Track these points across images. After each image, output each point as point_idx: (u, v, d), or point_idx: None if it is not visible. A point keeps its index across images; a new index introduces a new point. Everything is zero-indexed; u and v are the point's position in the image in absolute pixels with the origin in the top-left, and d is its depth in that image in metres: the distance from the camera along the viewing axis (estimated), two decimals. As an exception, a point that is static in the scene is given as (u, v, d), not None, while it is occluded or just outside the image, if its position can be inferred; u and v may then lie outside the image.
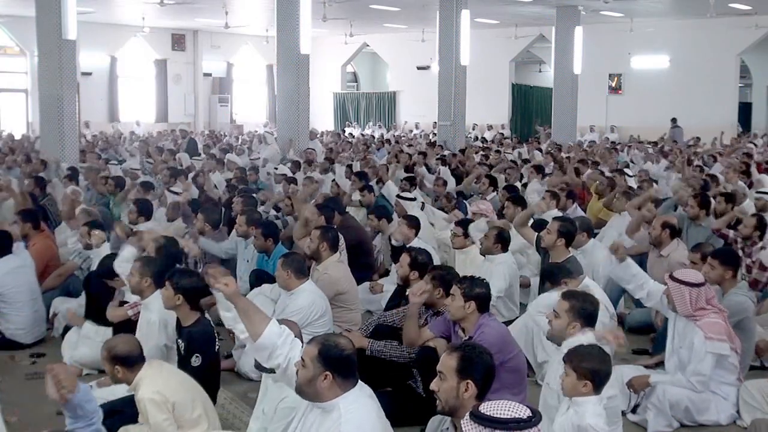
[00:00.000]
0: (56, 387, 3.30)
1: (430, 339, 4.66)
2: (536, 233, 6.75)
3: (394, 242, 7.43)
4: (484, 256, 6.50)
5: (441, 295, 4.80)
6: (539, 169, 11.75)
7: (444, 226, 8.78)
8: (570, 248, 6.16)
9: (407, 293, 5.20)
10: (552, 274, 5.38)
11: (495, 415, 2.67)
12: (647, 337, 6.39)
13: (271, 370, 3.84)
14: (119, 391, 4.77)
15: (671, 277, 4.85)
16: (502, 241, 6.43)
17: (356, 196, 9.94)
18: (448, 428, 3.42)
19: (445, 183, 11.12)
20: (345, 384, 3.34)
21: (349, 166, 12.96)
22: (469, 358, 3.26)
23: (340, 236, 6.64)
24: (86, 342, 5.71)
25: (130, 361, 4.01)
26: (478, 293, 4.43)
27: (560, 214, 7.72)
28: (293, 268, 5.35)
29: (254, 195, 9.22)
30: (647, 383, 4.81)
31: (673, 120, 23.54)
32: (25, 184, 9.77)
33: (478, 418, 2.68)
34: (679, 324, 4.87)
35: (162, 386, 3.93)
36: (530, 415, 2.68)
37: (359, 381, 3.42)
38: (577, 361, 3.58)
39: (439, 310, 4.84)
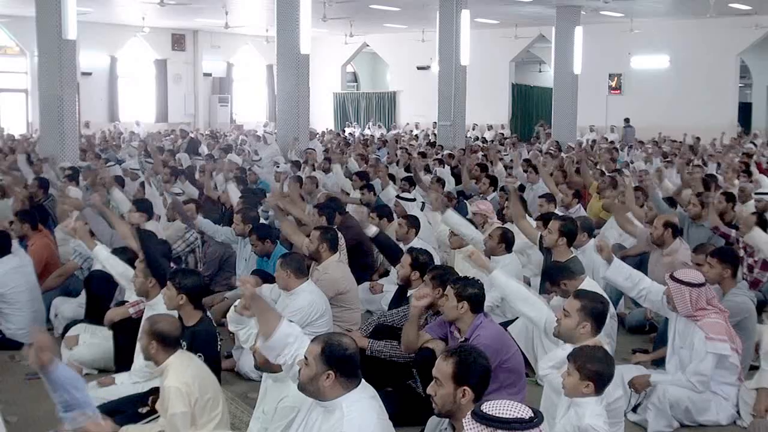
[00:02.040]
0: (37, 352, 3.05)
1: (428, 341, 4.65)
2: (538, 231, 6.73)
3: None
4: (489, 257, 6.45)
5: (441, 294, 4.77)
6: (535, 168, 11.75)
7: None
8: (571, 248, 6.12)
9: (408, 294, 5.19)
10: (552, 275, 5.37)
11: (497, 415, 2.66)
12: (647, 337, 6.39)
13: (271, 371, 3.85)
14: (119, 391, 4.79)
15: (672, 277, 4.84)
16: (506, 241, 6.37)
17: (356, 194, 9.93)
18: (446, 428, 3.42)
19: (442, 182, 11.09)
20: (348, 383, 3.34)
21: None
22: (464, 364, 3.24)
23: (340, 236, 6.64)
24: (86, 342, 5.71)
25: (168, 342, 4.01)
26: (471, 293, 4.40)
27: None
28: (292, 268, 5.34)
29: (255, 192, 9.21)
30: (648, 383, 4.80)
31: (626, 120, 24.19)
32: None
33: (481, 417, 2.67)
34: (680, 324, 4.87)
35: (189, 379, 3.93)
36: (532, 415, 2.67)
37: (362, 381, 3.42)
38: (582, 361, 3.56)
39: (440, 310, 4.83)
